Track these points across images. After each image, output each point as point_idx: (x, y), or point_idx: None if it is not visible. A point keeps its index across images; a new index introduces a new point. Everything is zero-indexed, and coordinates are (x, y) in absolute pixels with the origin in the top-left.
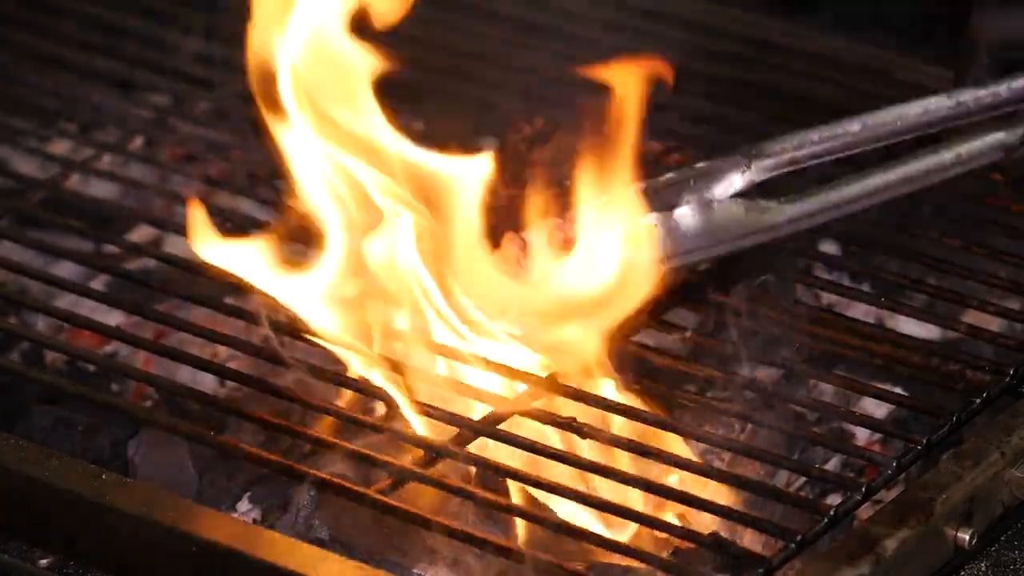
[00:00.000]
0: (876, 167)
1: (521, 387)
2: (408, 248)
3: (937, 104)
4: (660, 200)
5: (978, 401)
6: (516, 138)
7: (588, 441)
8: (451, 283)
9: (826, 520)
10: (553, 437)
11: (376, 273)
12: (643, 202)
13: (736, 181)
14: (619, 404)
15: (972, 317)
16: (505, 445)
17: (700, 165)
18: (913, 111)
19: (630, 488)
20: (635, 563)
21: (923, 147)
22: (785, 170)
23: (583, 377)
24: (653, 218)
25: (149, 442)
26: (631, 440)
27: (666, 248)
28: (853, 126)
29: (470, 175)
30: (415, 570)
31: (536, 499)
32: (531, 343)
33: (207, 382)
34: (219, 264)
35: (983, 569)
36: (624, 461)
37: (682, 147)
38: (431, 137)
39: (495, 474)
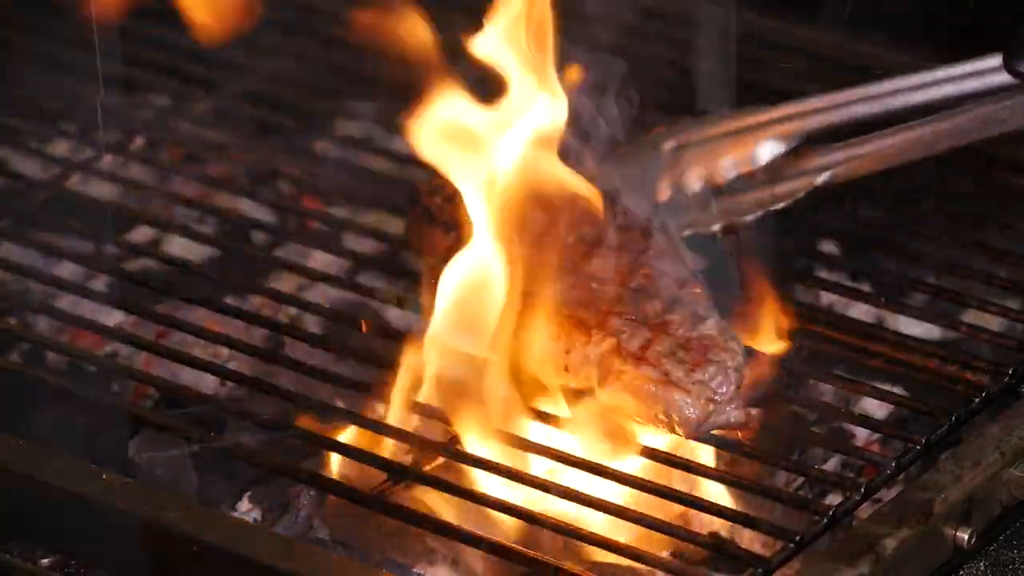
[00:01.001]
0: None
1: None
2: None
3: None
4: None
5: (978, 401)
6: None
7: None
8: None
9: (825, 520)
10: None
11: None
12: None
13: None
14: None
15: (972, 317)
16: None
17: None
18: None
19: (630, 489)
20: (635, 564)
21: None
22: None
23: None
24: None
25: (149, 442)
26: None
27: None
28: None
29: None
30: (415, 570)
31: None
32: None
33: (207, 382)
34: None
35: (982, 568)
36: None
37: None
38: None
39: (496, 475)
